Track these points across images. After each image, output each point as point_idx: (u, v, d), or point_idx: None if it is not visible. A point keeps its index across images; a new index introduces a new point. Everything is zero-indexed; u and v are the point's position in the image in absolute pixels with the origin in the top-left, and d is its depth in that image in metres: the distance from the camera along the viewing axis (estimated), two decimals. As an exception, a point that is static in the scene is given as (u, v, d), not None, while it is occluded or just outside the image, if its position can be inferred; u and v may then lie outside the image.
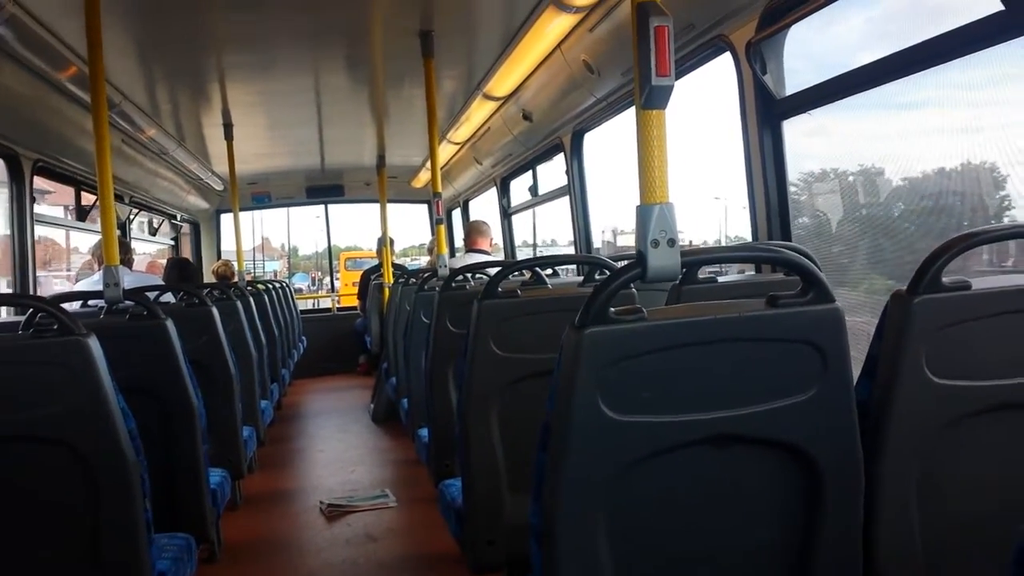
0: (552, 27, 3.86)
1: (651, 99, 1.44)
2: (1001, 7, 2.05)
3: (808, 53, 3.10)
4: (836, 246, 3.35)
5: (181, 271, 6.03)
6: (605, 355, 1.35)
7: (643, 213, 1.45)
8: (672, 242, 1.44)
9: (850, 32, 3.04)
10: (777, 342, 1.42)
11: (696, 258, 1.70)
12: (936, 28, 2.35)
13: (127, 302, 2.92)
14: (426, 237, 10.09)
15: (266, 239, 29.54)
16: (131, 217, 7.29)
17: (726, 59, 3.20)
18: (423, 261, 11.26)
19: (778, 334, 1.42)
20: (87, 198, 5.86)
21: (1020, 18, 2.02)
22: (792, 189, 3.11)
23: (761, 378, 1.42)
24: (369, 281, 8.57)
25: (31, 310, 2.82)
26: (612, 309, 1.37)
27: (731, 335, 1.40)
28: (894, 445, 1.50)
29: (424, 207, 10.56)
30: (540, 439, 1.44)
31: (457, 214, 9.86)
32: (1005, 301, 1.51)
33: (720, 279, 2.50)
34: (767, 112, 3.03)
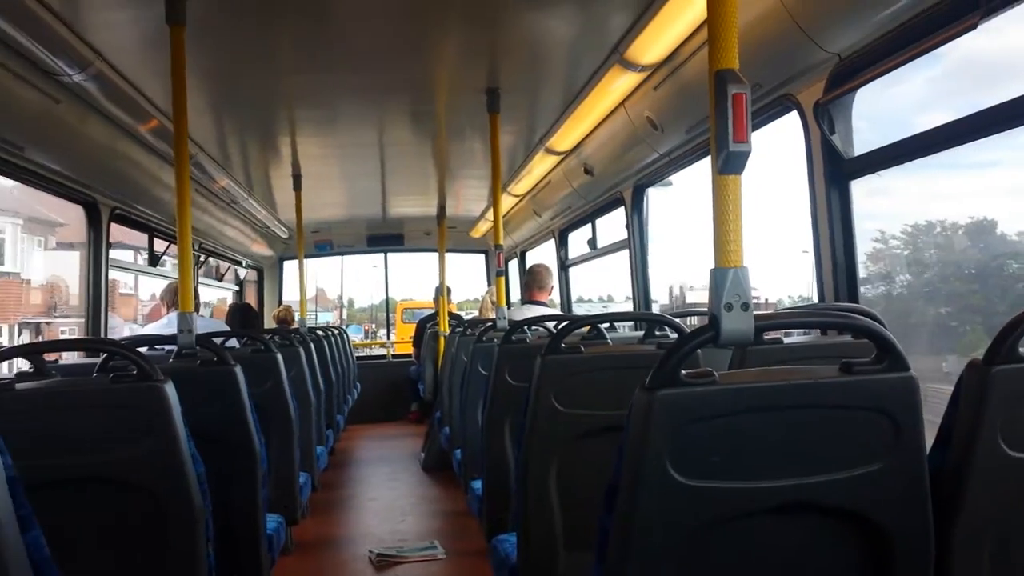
0: (617, 85, 3.92)
1: (728, 164, 1.45)
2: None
3: (868, 113, 3.09)
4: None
5: (243, 316, 6.17)
6: (676, 418, 1.34)
7: (717, 276, 1.45)
8: (746, 306, 1.43)
9: (913, 92, 3.02)
10: (850, 409, 1.40)
11: (769, 323, 1.68)
12: (990, 89, 2.32)
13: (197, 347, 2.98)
14: (480, 287, 10.14)
15: (321, 290, 29.90)
16: (200, 263, 7.51)
17: (793, 117, 3.20)
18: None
19: (851, 401, 1.39)
20: (158, 244, 6.05)
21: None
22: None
23: (833, 446, 1.40)
24: (425, 329, 8.64)
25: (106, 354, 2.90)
26: (683, 371, 1.36)
27: (804, 401, 1.38)
28: (967, 517, 1.45)
29: (480, 257, 10.65)
30: (606, 500, 1.43)
31: (514, 264, 9.93)
32: None
33: (786, 340, 2.47)
34: (834, 172, 3.01)
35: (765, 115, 3.33)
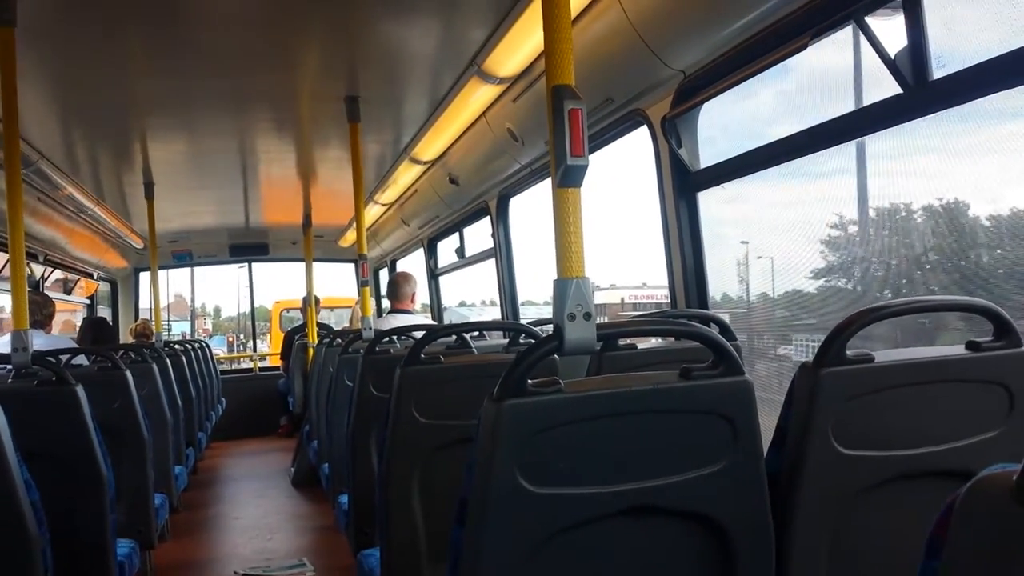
0: (477, 96, 3.95)
1: (566, 178, 1.49)
2: (899, 91, 2.19)
3: (723, 123, 3.24)
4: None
5: (97, 332, 5.84)
6: (522, 427, 1.36)
7: (560, 287, 1.48)
8: (588, 316, 1.47)
9: (761, 105, 3.19)
10: (689, 413, 1.45)
11: (611, 331, 1.74)
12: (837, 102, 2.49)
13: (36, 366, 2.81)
14: (355, 296, 9.97)
15: (180, 297, 28.46)
16: (45, 276, 7.06)
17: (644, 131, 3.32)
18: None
19: (690, 406, 1.45)
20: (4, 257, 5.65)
21: (915, 101, 2.16)
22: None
23: (674, 449, 1.45)
24: (293, 340, 8.44)
25: None
26: (530, 381, 1.39)
27: (645, 407, 1.43)
28: (803, 515, 1.54)
29: (352, 266, 10.49)
30: (457, 513, 1.43)
31: (385, 273, 9.83)
32: (905, 374, 1.57)
33: (640, 346, 2.55)
34: (683, 184, 3.14)
35: (618, 128, 3.44)
